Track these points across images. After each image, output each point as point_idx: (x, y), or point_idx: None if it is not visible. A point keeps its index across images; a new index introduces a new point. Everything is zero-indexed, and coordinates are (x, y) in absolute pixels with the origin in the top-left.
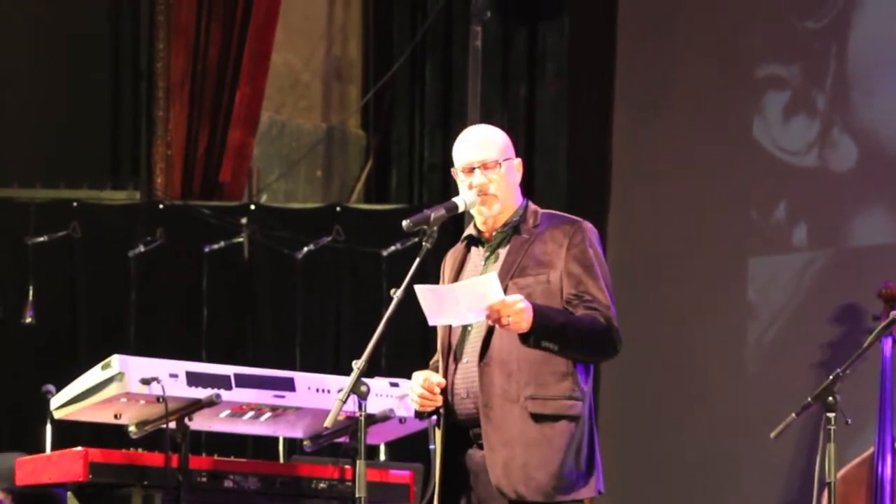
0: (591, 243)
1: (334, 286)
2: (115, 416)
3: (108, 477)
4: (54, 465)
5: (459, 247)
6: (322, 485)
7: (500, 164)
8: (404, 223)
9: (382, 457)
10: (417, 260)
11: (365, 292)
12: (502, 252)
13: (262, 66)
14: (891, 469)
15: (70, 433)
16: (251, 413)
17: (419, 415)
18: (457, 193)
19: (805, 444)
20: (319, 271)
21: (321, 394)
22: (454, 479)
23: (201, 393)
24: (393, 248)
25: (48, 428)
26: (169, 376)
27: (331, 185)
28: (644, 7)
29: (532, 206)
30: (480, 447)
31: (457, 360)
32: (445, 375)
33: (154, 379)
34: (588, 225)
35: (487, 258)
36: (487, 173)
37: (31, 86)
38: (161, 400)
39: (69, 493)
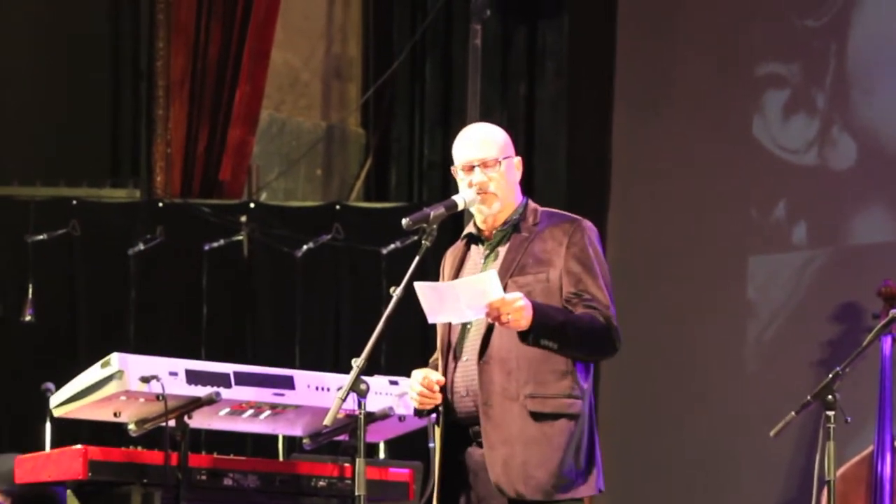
0: (591, 242)
1: (334, 284)
2: (115, 415)
3: (108, 475)
4: (54, 463)
5: (459, 245)
6: (321, 483)
7: (499, 162)
8: (404, 221)
9: (382, 455)
10: (417, 258)
11: (364, 290)
12: (502, 250)
13: (261, 64)
14: (890, 467)
15: (69, 431)
16: (251, 411)
17: (418, 413)
18: (456, 191)
19: (805, 443)
20: (319, 269)
21: (321, 392)
22: (453, 478)
23: (201, 391)
24: (392, 246)
25: (48, 426)
26: (168, 374)
27: (330, 183)
28: (644, 5)
29: (532, 204)
30: (480, 445)
31: (456, 359)
32: (445, 373)
33: (153, 377)
34: (588, 223)
35: (487, 256)
36: (487, 171)
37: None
38: (160, 398)
39: (69, 492)
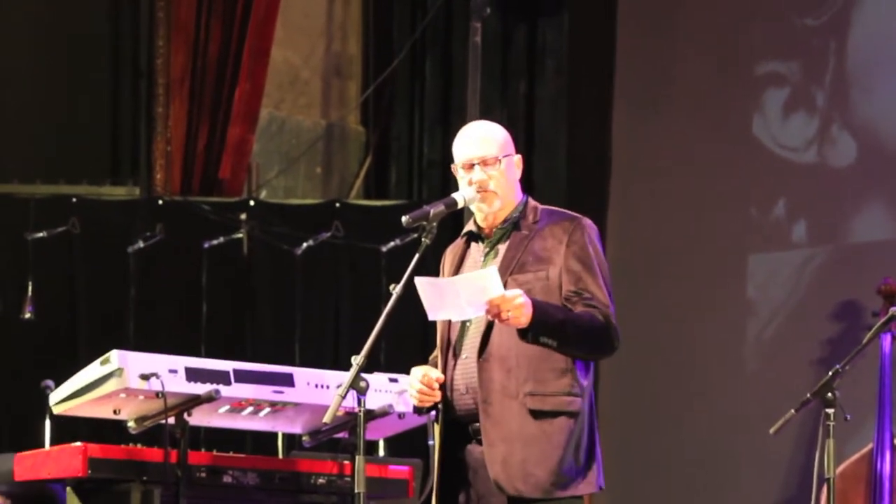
0: (591, 240)
1: (333, 282)
2: (115, 412)
3: (107, 472)
4: (53, 460)
5: (459, 242)
6: (321, 480)
7: (499, 160)
8: (404, 219)
9: (381, 452)
10: (417, 256)
11: (364, 288)
12: (502, 248)
13: (261, 62)
14: (890, 465)
15: (69, 428)
16: (250, 408)
17: (418, 410)
18: (456, 189)
19: (804, 441)
20: (319, 267)
21: (320, 389)
22: (453, 475)
23: (200, 388)
24: (392, 244)
25: (47, 423)
26: (168, 372)
27: (330, 181)
28: (644, 4)
29: (532, 202)
30: (480, 443)
31: (456, 356)
32: (444, 371)
33: (153, 374)
34: (588, 221)
35: (487, 254)
36: (487, 170)
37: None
38: (160, 395)
39: (68, 489)
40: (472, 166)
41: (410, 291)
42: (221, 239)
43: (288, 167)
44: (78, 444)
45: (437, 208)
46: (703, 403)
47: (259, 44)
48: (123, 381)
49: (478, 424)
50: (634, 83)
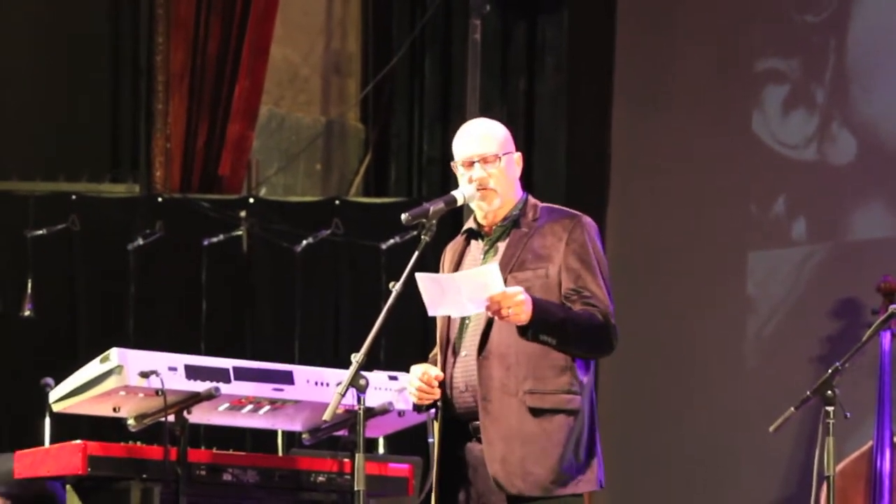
0: (591, 238)
1: (333, 279)
2: (114, 410)
3: (107, 470)
4: (53, 458)
5: (459, 240)
6: (321, 478)
7: (499, 158)
8: (403, 216)
9: (381, 450)
10: (416, 253)
11: (364, 285)
12: (501, 245)
13: (261, 59)
14: (889, 463)
15: (69, 426)
16: (250, 406)
17: (418, 408)
18: (456, 187)
19: (804, 438)
20: (318, 264)
21: (320, 387)
22: (453, 473)
23: (200, 386)
24: (392, 241)
25: (47, 421)
26: (168, 369)
27: (330, 178)
28: (643, 1)
29: (532, 199)
30: (479, 441)
31: (455, 354)
32: (444, 369)
33: (153, 372)
34: (588, 219)
35: (486, 251)
36: (487, 167)
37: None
38: (160, 393)
39: (68, 487)
40: (472, 164)
41: (410, 289)
42: (221, 236)
43: (287, 164)
44: (78, 441)
45: (436, 206)
46: (702, 400)
47: (258, 41)
48: (123, 379)
49: (477, 422)
50: (634, 80)
